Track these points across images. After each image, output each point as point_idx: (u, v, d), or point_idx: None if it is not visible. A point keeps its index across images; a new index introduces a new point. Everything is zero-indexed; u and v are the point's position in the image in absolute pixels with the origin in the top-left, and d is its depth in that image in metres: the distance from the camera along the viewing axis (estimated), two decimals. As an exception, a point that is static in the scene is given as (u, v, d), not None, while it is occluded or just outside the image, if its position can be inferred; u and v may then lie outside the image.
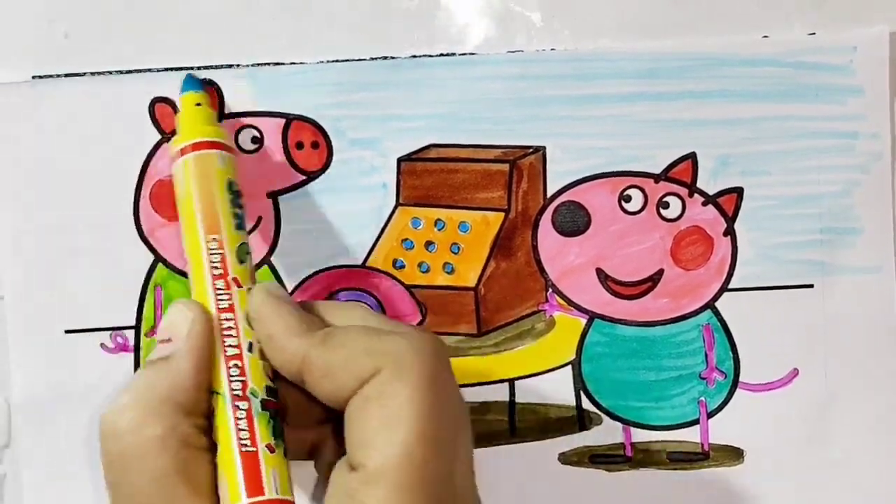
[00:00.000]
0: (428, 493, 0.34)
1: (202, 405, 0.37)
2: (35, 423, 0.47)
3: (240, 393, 0.37)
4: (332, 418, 0.39)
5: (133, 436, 0.36)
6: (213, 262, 0.39)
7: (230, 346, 0.38)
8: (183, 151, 0.41)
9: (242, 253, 0.40)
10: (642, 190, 0.47)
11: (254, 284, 0.40)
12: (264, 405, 0.38)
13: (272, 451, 0.37)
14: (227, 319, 0.39)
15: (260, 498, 0.36)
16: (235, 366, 0.38)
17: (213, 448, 0.37)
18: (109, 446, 0.36)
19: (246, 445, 0.37)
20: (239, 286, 0.39)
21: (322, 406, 0.38)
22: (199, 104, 0.43)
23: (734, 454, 0.48)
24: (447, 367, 0.37)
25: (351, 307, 0.40)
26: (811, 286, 0.47)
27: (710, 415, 0.48)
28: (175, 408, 0.36)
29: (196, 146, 0.41)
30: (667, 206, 0.47)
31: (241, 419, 0.37)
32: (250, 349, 0.38)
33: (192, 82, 0.44)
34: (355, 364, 0.36)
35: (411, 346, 0.36)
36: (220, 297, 0.39)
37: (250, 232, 0.46)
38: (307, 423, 0.40)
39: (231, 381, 0.38)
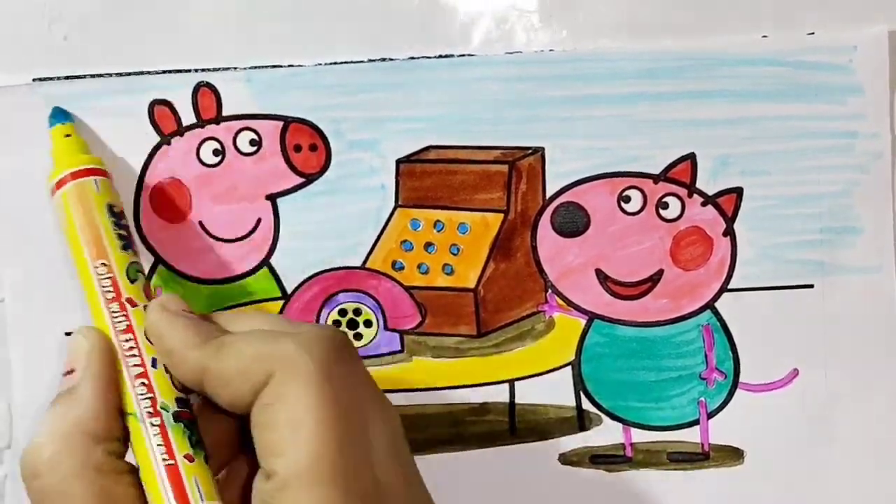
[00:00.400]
0: (344, 487, 0.34)
1: (114, 429, 0.38)
2: (36, 424, 0.47)
3: (150, 409, 0.38)
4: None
5: (50, 473, 0.36)
6: (105, 287, 0.40)
7: (134, 365, 0.39)
8: (59, 184, 0.42)
9: (133, 272, 0.41)
10: (641, 190, 0.47)
11: (150, 301, 0.40)
12: (177, 417, 0.38)
13: (191, 460, 0.38)
14: (126, 340, 0.39)
15: None
16: (142, 384, 0.38)
17: (133, 470, 0.38)
18: (31, 485, 0.37)
19: (165, 459, 0.37)
20: (134, 305, 0.40)
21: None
22: (68, 135, 0.44)
23: (734, 454, 0.48)
24: (344, 358, 0.37)
25: (251, 315, 0.41)
26: (811, 286, 0.47)
27: (711, 415, 0.48)
28: (85, 438, 0.37)
29: (72, 175, 0.42)
30: (666, 206, 0.47)
31: (155, 435, 0.38)
32: (154, 365, 0.39)
33: (59, 114, 0.45)
34: (249, 371, 0.36)
35: (300, 345, 0.36)
36: (116, 320, 0.40)
37: (250, 234, 0.47)
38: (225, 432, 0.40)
39: (141, 400, 0.38)
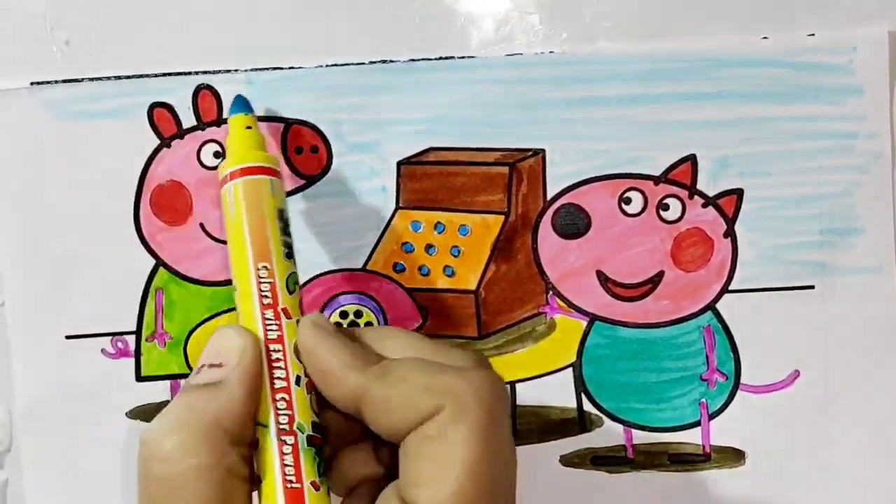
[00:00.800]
0: None
1: (248, 436, 0.37)
2: (37, 427, 0.47)
3: (287, 427, 0.37)
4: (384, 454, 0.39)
5: (179, 461, 0.35)
6: (263, 291, 0.38)
7: (278, 377, 0.37)
8: (233, 175, 0.40)
9: (292, 283, 0.39)
10: (642, 192, 0.47)
11: (302, 316, 0.39)
12: (310, 441, 0.37)
13: (317, 488, 0.36)
14: (275, 351, 0.37)
15: None
16: (283, 399, 0.37)
17: (253, 479, 0.37)
18: (152, 469, 0.35)
19: (291, 482, 0.36)
20: (288, 317, 0.38)
21: (369, 442, 0.38)
22: (249, 127, 0.42)
23: (735, 456, 0.48)
24: (506, 408, 0.37)
25: (397, 333, 0.39)
26: (812, 287, 0.47)
27: (712, 416, 0.48)
28: (223, 436, 0.35)
29: (246, 171, 0.40)
30: (667, 207, 0.47)
31: (287, 454, 0.36)
32: (297, 382, 0.37)
33: (242, 104, 0.43)
34: (415, 401, 0.35)
35: (471, 386, 0.35)
36: (269, 328, 0.38)
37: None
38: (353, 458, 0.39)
39: (278, 415, 0.37)
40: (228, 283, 0.46)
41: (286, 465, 0.36)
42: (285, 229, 0.40)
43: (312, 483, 0.36)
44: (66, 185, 0.46)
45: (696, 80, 0.46)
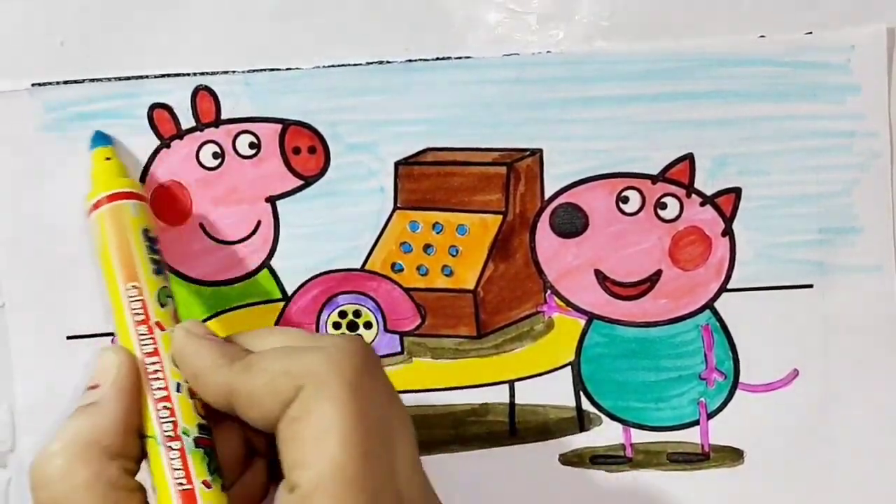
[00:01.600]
0: (367, 499, 0.34)
1: (131, 448, 0.38)
2: (38, 428, 0.47)
3: (171, 433, 0.39)
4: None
5: (61, 482, 0.37)
6: (135, 309, 0.41)
7: (158, 388, 0.39)
8: (97, 205, 0.43)
9: (163, 297, 0.41)
10: (640, 191, 0.47)
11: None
12: (197, 443, 0.39)
13: (209, 486, 0.38)
14: (152, 363, 0.40)
15: None
16: (165, 407, 0.39)
17: (143, 490, 0.38)
18: (39, 494, 0.37)
19: (182, 484, 0.38)
20: (162, 329, 0.40)
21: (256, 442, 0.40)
22: (108, 158, 0.45)
23: (734, 455, 0.48)
24: (371, 371, 0.37)
25: (270, 332, 0.41)
26: (810, 286, 0.47)
27: (711, 415, 0.48)
28: (101, 452, 0.37)
29: (109, 198, 0.43)
30: (664, 206, 0.47)
31: (174, 459, 0.38)
32: (178, 389, 0.39)
33: (100, 138, 0.45)
34: (277, 387, 0.36)
35: (328, 359, 0.36)
36: (143, 342, 0.40)
37: (250, 236, 0.47)
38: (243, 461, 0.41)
39: (162, 423, 0.39)
40: (228, 283, 0.47)
41: (175, 469, 0.38)
42: (152, 247, 0.42)
43: (203, 482, 0.38)
44: (66, 186, 0.46)
45: (693, 79, 0.46)
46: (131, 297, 0.41)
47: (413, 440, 0.38)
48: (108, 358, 0.39)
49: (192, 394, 0.40)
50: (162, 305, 0.41)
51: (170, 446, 0.38)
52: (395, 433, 0.36)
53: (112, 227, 0.42)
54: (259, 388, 0.36)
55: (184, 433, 0.39)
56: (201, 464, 0.38)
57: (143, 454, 0.39)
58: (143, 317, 0.40)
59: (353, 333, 0.39)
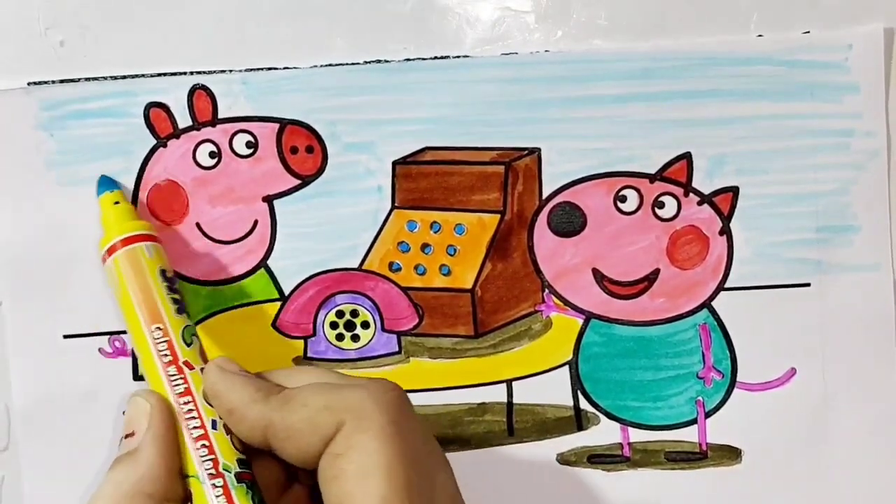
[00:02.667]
0: None
1: (175, 492, 0.38)
2: (34, 427, 0.47)
3: (213, 471, 0.38)
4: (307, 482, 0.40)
5: None
6: (161, 350, 0.41)
7: (194, 427, 0.39)
8: (111, 251, 0.43)
9: (188, 335, 0.41)
10: (638, 190, 0.47)
11: (206, 363, 0.41)
12: (239, 478, 0.39)
13: None
14: (185, 403, 0.40)
15: None
16: (203, 445, 0.39)
17: None
18: None
19: None
20: (191, 368, 0.40)
21: (295, 470, 0.39)
22: (117, 202, 0.44)
23: (732, 454, 0.48)
24: (409, 410, 0.37)
25: (305, 370, 0.40)
26: (808, 285, 0.47)
27: (708, 414, 0.48)
28: (146, 500, 0.37)
29: (123, 242, 0.43)
30: (662, 205, 0.47)
31: (219, 496, 0.38)
32: (214, 426, 0.39)
33: (107, 183, 0.45)
34: (317, 422, 0.36)
35: (369, 396, 0.36)
36: (174, 383, 0.40)
37: (247, 235, 0.47)
38: (283, 488, 0.41)
39: (202, 461, 0.39)
40: (225, 282, 0.47)
41: None
42: (171, 287, 0.42)
43: None
44: (63, 185, 0.46)
45: (691, 78, 0.46)
46: (157, 338, 0.41)
47: (452, 476, 0.38)
48: (140, 404, 0.39)
49: (228, 430, 0.39)
50: (188, 344, 0.41)
51: (213, 484, 0.38)
52: (434, 470, 0.37)
53: (129, 271, 0.42)
54: (298, 423, 0.36)
55: (225, 469, 0.38)
56: (245, 498, 0.38)
57: (187, 496, 0.39)
58: (170, 357, 0.41)
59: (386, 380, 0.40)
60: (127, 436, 0.39)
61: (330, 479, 0.35)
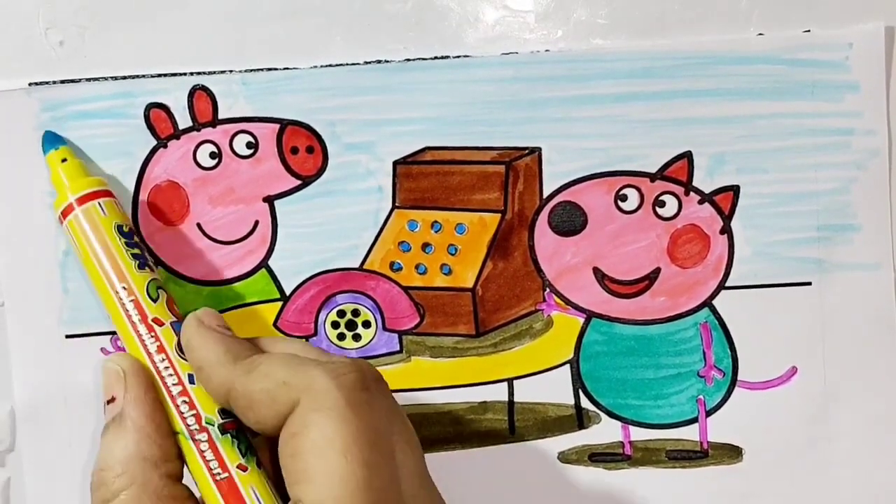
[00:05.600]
0: None
1: (169, 449, 0.38)
2: (37, 427, 0.47)
3: (196, 426, 0.38)
4: None
5: (116, 501, 0.37)
6: (128, 310, 0.40)
7: (173, 384, 0.39)
8: (65, 213, 0.42)
9: (154, 290, 0.41)
10: (638, 189, 0.47)
11: (175, 316, 0.41)
12: (223, 429, 0.39)
13: (244, 469, 0.38)
14: (161, 360, 0.40)
15: None
16: (184, 401, 0.39)
17: (192, 495, 0.38)
18: None
19: (218, 474, 0.38)
20: (161, 324, 0.40)
21: None
22: (64, 160, 0.44)
23: (733, 452, 0.48)
24: (369, 386, 0.37)
25: (290, 341, 0.40)
26: (809, 284, 0.47)
27: (709, 413, 0.48)
28: (142, 463, 0.37)
29: (77, 202, 0.42)
30: (663, 204, 0.47)
31: (205, 451, 0.38)
32: (192, 381, 0.39)
33: (52, 139, 0.45)
34: (274, 396, 0.36)
35: (325, 374, 0.36)
36: (146, 342, 0.40)
37: (247, 236, 0.47)
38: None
39: (185, 417, 0.39)
40: (226, 283, 0.47)
41: (209, 461, 0.38)
42: (130, 242, 0.42)
43: (238, 466, 0.38)
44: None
45: (691, 77, 0.46)
46: (122, 298, 0.41)
47: (419, 456, 0.37)
48: (112, 369, 0.39)
49: None
50: (154, 300, 0.41)
51: (198, 439, 0.38)
52: (397, 447, 0.36)
53: (86, 233, 0.42)
54: (257, 394, 0.36)
55: (208, 423, 0.38)
56: (232, 449, 0.38)
57: (180, 452, 0.39)
58: (139, 316, 0.40)
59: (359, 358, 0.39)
60: (108, 402, 0.39)
61: (287, 456, 0.35)
